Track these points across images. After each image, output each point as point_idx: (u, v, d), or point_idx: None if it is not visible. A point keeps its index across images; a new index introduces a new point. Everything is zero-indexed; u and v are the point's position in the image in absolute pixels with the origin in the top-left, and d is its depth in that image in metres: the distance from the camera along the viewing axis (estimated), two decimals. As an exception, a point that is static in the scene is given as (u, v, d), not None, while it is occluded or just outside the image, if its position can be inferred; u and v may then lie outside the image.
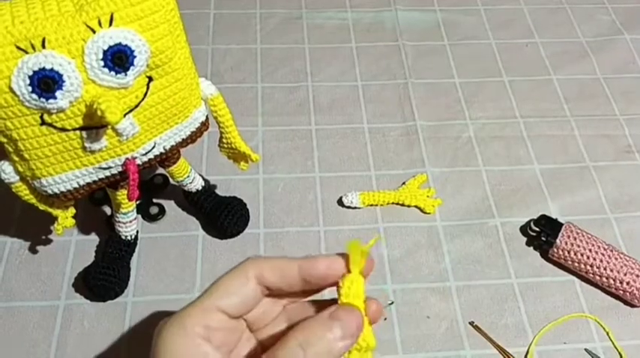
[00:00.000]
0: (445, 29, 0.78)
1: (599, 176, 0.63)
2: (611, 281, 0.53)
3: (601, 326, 0.52)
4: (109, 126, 0.40)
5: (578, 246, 0.54)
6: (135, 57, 0.39)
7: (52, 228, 0.49)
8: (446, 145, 0.65)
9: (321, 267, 0.31)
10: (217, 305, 0.30)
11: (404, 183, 0.61)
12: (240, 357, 0.32)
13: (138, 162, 0.45)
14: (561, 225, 0.55)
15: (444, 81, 0.72)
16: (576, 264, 0.54)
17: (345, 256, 0.31)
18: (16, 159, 0.41)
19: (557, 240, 0.54)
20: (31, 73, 0.36)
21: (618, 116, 0.69)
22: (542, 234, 0.55)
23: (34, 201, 0.45)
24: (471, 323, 0.52)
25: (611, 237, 0.58)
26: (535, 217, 0.57)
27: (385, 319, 0.52)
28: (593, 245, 0.54)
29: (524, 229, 0.58)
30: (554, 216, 0.58)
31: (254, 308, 0.32)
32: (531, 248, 0.57)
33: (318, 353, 0.28)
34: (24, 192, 0.44)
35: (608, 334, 0.52)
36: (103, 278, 0.51)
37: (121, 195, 0.49)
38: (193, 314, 0.30)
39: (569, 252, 0.54)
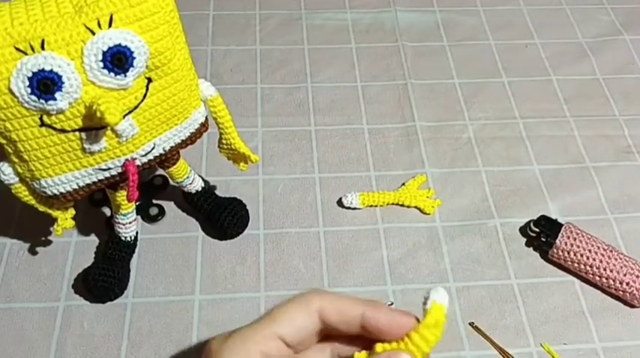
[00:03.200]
0: (445, 30, 0.78)
1: (598, 176, 0.63)
2: (611, 282, 0.53)
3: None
4: (109, 128, 0.40)
5: (578, 247, 0.54)
6: (134, 58, 0.39)
7: (51, 229, 0.49)
8: (445, 146, 0.65)
9: (383, 320, 0.30)
10: (278, 333, 0.29)
11: (404, 184, 0.61)
12: None
13: (137, 163, 0.45)
14: (561, 225, 0.55)
15: (444, 81, 0.72)
16: (576, 265, 0.54)
17: (411, 315, 0.30)
18: (16, 160, 0.41)
19: (557, 241, 0.54)
20: (30, 75, 0.36)
21: (618, 116, 0.69)
22: (542, 235, 0.55)
23: (33, 202, 0.45)
24: (471, 324, 0.52)
25: (611, 237, 0.58)
26: (535, 218, 0.57)
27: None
28: (592, 245, 0.54)
29: (523, 230, 0.58)
30: (554, 217, 0.58)
31: (308, 342, 0.31)
32: (531, 248, 0.57)
33: None
34: (23, 193, 0.44)
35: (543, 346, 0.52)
36: (103, 280, 0.51)
37: (121, 196, 0.49)
38: (255, 338, 0.29)
39: (568, 253, 0.54)
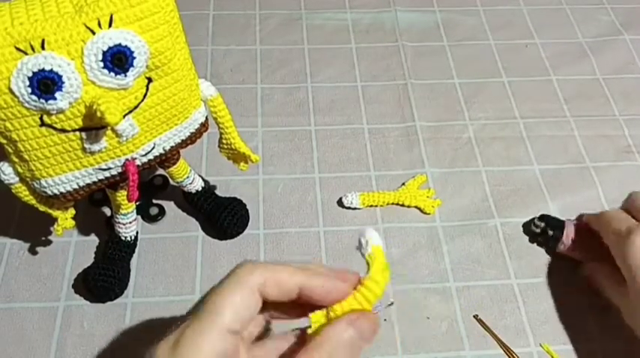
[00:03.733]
0: (445, 30, 0.78)
1: (598, 176, 0.63)
2: None
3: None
4: (109, 127, 0.40)
5: (584, 236, 0.54)
6: (134, 58, 0.39)
7: (51, 229, 0.49)
8: (445, 146, 0.65)
9: (320, 290, 0.30)
10: (227, 326, 0.28)
11: (404, 184, 0.61)
12: None
13: (137, 163, 0.45)
14: (562, 221, 0.56)
15: (444, 81, 0.72)
16: (585, 253, 0.54)
17: (346, 276, 0.31)
18: (16, 160, 0.41)
19: (565, 232, 0.54)
20: (30, 74, 0.36)
21: (618, 116, 0.69)
22: (548, 228, 0.55)
23: (33, 202, 0.45)
24: (475, 317, 0.52)
25: (611, 237, 0.58)
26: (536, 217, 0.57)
27: (385, 320, 0.52)
28: (595, 238, 0.53)
29: (526, 228, 0.58)
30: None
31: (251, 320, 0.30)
32: (531, 248, 0.57)
33: None
34: (24, 193, 0.44)
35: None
36: (103, 279, 0.51)
37: (121, 196, 0.49)
38: (208, 339, 0.27)
39: (575, 243, 0.54)
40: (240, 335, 0.30)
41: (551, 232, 0.55)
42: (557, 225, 0.56)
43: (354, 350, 0.29)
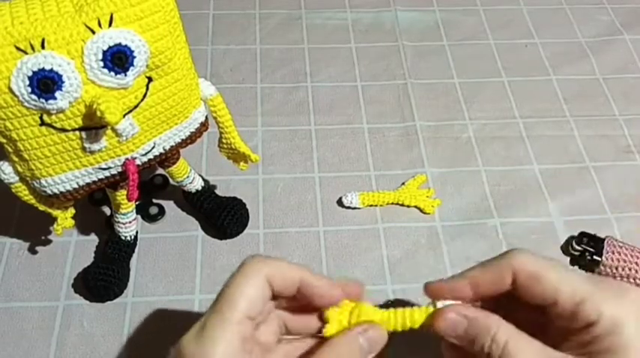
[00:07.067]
0: (444, 29, 0.78)
1: (598, 176, 0.63)
2: None
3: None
4: (109, 127, 0.40)
5: (625, 261, 0.52)
6: (134, 57, 0.39)
7: (51, 228, 0.49)
8: (445, 145, 0.65)
9: (319, 289, 0.32)
10: (245, 314, 0.30)
11: (403, 184, 0.61)
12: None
13: (137, 162, 0.45)
14: (602, 239, 0.54)
15: (444, 81, 0.72)
16: (625, 279, 0.52)
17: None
18: (16, 159, 0.41)
19: (603, 258, 0.53)
20: (30, 74, 0.36)
21: (618, 116, 0.69)
22: (587, 253, 0.54)
23: (33, 201, 0.45)
24: None
25: (610, 237, 0.58)
26: (575, 234, 0.56)
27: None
28: (638, 257, 0.52)
29: (525, 230, 0.58)
30: (553, 216, 0.58)
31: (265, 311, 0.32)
32: (534, 245, 0.57)
33: None
34: (23, 193, 0.44)
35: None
36: (103, 279, 0.51)
37: (121, 195, 0.49)
38: (230, 329, 0.29)
39: (616, 268, 0.52)
40: (255, 323, 0.31)
41: (589, 257, 0.53)
42: (595, 246, 0.53)
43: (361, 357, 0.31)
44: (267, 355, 0.32)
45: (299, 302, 0.33)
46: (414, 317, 0.33)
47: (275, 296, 0.32)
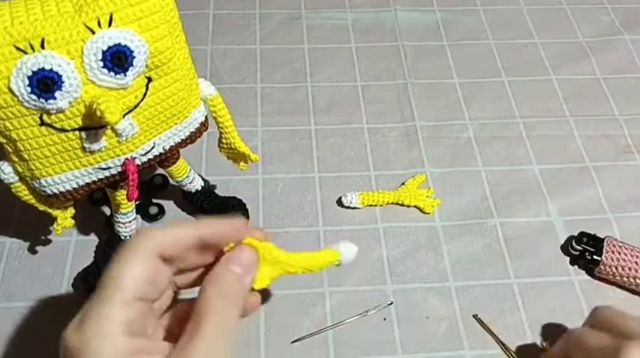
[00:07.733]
0: (444, 29, 0.78)
1: (598, 176, 0.63)
2: None
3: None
4: (109, 127, 0.40)
5: (624, 261, 0.52)
6: (134, 57, 0.39)
7: (51, 228, 0.49)
8: (445, 145, 0.65)
9: (219, 233, 0.32)
10: (129, 296, 0.28)
11: (403, 184, 0.61)
12: (159, 336, 0.32)
13: (137, 162, 0.45)
14: (602, 239, 0.54)
15: (444, 81, 0.72)
16: (625, 279, 0.53)
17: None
18: (16, 159, 0.41)
19: (602, 257, 0.53)
20: (30, 74, 0.36)
21: (617, 116, 0.69)
22: (587, 253, 0.54)
23: (33, 201, 0.45)
24: (475, 316, 0.52)
25: (610, 237, 0.58)
26: (575, 234, 0.56)
27: (385, 319, 0.52)
28: (638, 256, 0.52)
29: (525, 230, 0.58)
30: (553, 216, 0.58)
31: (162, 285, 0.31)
32: (532, 249, 0.57)
33: (236, 293, 0.30)
34: (23, 193, 0.44)
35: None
36: (103, 279, 0.51)
37: (121, 195, 0.49)
38: (110, 315, 0.27)
39: (616, 268, 0.52)
40: (150, 304, 0.30)
41: (589, 257, 0.53)
42: (595, 246, 0.53)
43: (241, 282, 0.32)
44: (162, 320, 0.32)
45: (205, 258, 0.32)
46: (317, 259, 0.35)
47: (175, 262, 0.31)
